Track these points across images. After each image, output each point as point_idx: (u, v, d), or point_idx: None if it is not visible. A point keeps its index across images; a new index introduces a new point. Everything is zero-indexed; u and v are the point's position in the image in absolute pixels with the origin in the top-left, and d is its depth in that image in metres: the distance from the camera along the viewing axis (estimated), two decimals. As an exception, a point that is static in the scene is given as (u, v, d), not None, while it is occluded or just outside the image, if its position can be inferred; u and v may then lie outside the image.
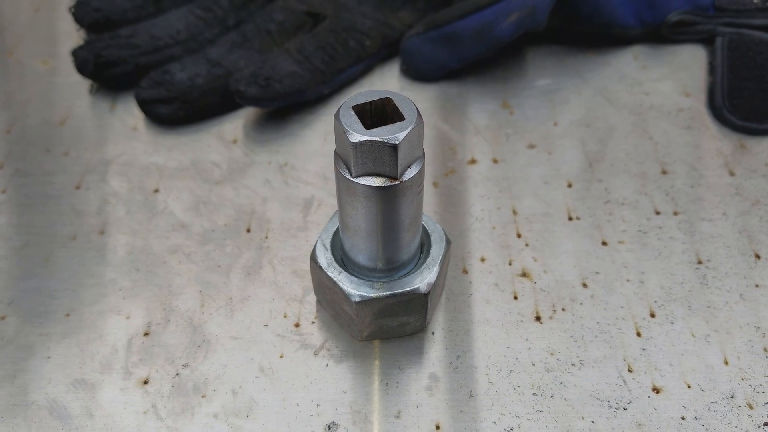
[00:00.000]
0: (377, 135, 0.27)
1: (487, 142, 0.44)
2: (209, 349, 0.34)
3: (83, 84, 0.49)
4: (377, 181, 0.28)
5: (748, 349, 0.34)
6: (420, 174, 0.29)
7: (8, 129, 0.46)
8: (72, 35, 0.53)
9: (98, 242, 0.39)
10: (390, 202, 0.29)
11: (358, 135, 0.27)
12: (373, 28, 0.49)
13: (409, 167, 0.28)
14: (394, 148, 0.27)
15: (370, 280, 0.32)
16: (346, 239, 0.32)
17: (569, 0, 0.48)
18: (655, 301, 0.36)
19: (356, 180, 0.28)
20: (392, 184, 0.28)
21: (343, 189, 0.29)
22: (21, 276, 0.37)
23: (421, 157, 0.29)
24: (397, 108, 0.28)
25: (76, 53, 0.47)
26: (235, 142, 0.45)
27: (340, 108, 0.28)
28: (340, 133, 0.28)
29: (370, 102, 0.28)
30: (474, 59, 0.48)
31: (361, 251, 0.32)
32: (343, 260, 0.33)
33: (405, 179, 0.28)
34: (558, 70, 0.49)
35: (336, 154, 0.29)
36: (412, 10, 0.51)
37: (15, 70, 0.50)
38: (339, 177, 0.29)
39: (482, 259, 0.38)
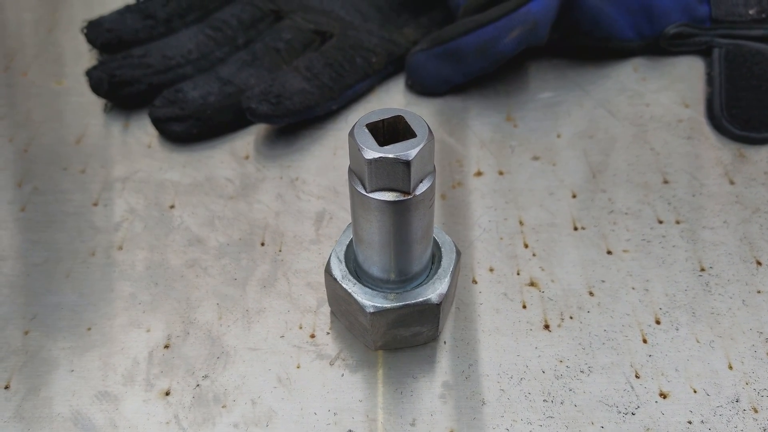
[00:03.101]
0: (390, 152, 0.28)
1: (493, 154, 0.46)
2: (228, 360, 0.35)
3: (97, 103, 0.50)
4: (390, 196, 0.29)
5: (752, 354, 0.35)
6: (431, 188, 0.30)
7: (25, 148, 0.47)
8: (84, 55, 0.54)
9: (117, 258, 0.40)
10: (403, 216, 0.30)
11: (372, 152, 0.28)
12: (379, 45, 0.50)
13: (421, 182, 0.30)
14: (407, 164, 0.28)
15: (383, 292, 0.33)
16: (360, 252, 0.33)
17: (569, 15, 0.49)
18: (660, 308, 0.37)
19: (370, 195, 0.29)
20: (405, 198, 0.29)
21: (358, 204, 0.30)
22: (42, 291, 0.38)
23: (432, 171, 0.30)
24: (409, 125, 0.29)
25: (90, 73, 0.48)
26: (247, 158, 0.46)
27: (354, 126, 0.29)
28: (355, 151, 0.29)
29: (383, 120, 0.29)
30: (477, 74, 0.49)
31: (375, 263, 0.33)
32: (357, 272, 0.34)
33: (417, 194, 0.29)
34: (560, 83, 0.50)
35: (350, 170, 0.30)
36: (416, 27, 0.52)
37: (30, 90, 0.52)
38: (353, 192, 0.30)
39: (491, 270, 0.39)
